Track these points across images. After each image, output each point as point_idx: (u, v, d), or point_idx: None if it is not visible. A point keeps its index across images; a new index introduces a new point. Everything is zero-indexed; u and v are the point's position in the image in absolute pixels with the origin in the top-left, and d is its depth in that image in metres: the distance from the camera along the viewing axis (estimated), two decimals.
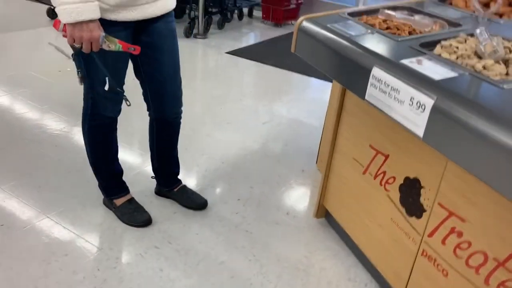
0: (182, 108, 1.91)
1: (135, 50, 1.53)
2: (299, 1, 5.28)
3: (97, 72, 1.61)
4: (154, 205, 2.08)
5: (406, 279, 1.53)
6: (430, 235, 1.41)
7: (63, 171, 2.29)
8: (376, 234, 1.67)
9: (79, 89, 1.70)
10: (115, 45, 1.49)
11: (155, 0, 1.58)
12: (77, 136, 2.59)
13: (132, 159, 2.45)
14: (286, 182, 2.38)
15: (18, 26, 4.43)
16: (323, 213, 2.07)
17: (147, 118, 1.93)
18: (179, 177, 2.13)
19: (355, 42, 1.41)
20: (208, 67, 4.04)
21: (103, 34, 1.45)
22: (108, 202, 2.01)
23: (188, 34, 4.57)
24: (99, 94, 1.68)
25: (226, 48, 4.42)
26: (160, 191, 2.14)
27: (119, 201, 1.98)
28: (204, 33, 4.68)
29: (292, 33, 1.71)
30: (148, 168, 2.20)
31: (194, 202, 2.08)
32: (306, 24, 1.62)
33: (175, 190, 2.10)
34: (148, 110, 1.88)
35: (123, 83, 1.72)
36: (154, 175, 2.11)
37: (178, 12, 4.88)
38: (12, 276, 1.64)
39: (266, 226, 2.04)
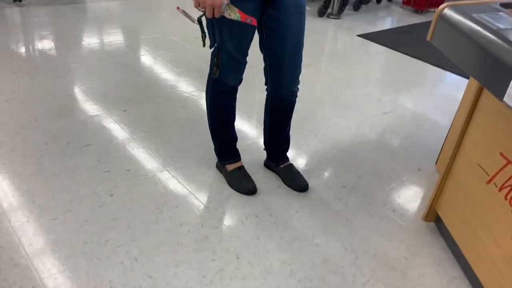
0: (300, 87, 1.91)
1: (252, 21, 1.55)
2: None
3: (223, 41, 1.68)
4: (261, 176, 2.15)
5: None
6: None
7: (186, 130, 2.47)
8: (491, 251, 1.51)
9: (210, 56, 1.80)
10: (235, 14, 1.53)
11: None
12: (203, 100, 2.76)
13: (248, 129, 2.54)
14: (399, 178, 2.26)
15: None
16: (433, 217, 1.93)
17: (265, 91, 1.97)
18: (288, 154, 2.15)
19: (503, 37, 1.26)
20: (337, 49, 3.96)
21: (226, 1, 1.51)
22: (221, 166, 2.12)
23: (322, 13, 4.51)
24: (223, 62, 1.76)
25: (359, 31, 4.27)
26: (268, 164, 2.19)
27: (230, 167, 2.08)
28: (338, 14, 4.58)
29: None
30: (261, 140, 2.26)
31: (296, 183, 2.09)
32: (448, 11, 1.48)
33: (281, 166, 2.13)
34: (265, 84, 1.92)
35: (247, 54, 1.77)
36: (265, 148, 2.17)
37: None
38: (130, 217, 1.84)
39: (368, 218, 1.97)
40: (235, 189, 2.04)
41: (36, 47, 3.37)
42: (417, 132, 2.69)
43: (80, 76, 2.97)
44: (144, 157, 2.22)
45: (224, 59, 1.74)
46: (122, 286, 1.52)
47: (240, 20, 1.55)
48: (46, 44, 3.41)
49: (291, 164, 2.15)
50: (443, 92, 3.27)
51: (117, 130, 2.41)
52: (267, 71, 1.86)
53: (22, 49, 3.32)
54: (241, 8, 1.57)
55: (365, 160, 2.38)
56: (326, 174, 2.25)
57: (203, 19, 1.63)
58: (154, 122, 2.53)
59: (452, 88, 3.36)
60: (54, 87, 2.79)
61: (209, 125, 2.03)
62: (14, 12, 3.98)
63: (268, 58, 1.81)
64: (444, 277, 1.70)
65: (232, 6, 1.53)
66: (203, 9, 1.54)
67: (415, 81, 3.39)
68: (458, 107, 2.19)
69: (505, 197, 1.46)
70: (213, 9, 1.51)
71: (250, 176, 2.08)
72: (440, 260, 1.78)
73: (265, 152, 2.20)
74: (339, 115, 2.80)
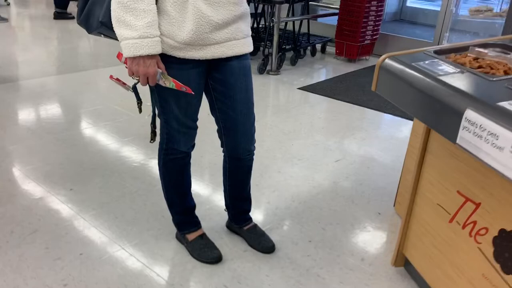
0: (255, 145, 1.90)
1: (187, 90, 1.55)
2: (374, 37, 5.21)
3: (171, 108, 1.66)
4: (225, 242, 2.06)
5: None
6: None
7: (140, 203, 2.35)
8: None
9: (157, 123, 1.76)
10: (169, 82, 1.53)
11: (226, 41, 1.60)
12: (155, 168, 2.67)
13: (205, 194, 2.47)
14: (361, 225, 2.27)
15: (105, 63, 4.79)
16: (402, 261, 1.93)
17: (219, 153, 1.94)
18: (250, 214, 2.10)
19: (444, 82, 1.33)
20: (280, 103, 4.05)
21: (160, 70, 1.50)
22: (181, 236, 2.02)
23: (262, 70, 4.65)
24: (173, 129, 1.72)
25: (298, 83, 4.43)
26: (231, 227, 2.12)
27: (191, 236, 1.99)
28: (277, 70, 4.74)
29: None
30: (219, 203, 2.19)
31: (262, 245, 2.02)
32: (389, 62, 1.56)
33: (245, 228, 2.07)
34: (221, 146, 1.89)
35: (197, 119, 1.75)
36: (226, 210, 2.11)
37: (253, 49, 5.00)
38: None
39: (339, 271, 1.93)
40: (198, 259, 1.94)
41: None
42: (370, 176, 2.75)
43: (20, 157, 2.79)
44: (98, 237, 2.07)
45: (174, 125, 1.71)
46: None
47: (175, 88, 1.54)
48: None
49: (255, 225, 2.09)
50: (386, 134, 3.41)
51: (65, 211, 2.25)
52: (222, 134, 1.84)
53: None
54: (186, 74, 1.57)
55: (326, 210, 2.37)
56: (291, 230, 2.21)
57: (138, 86, 1.61)
58: (104, 198, 2.40)
59: (394, 129, 3.50)
60: None
61: (164, 195, 1.95)
62: None
63: (221, 121, 1.79)
64: None
65: (166, 75, 1.53)
66: (137, 78, 1.52)
67: (359, 126, 3.51)
68: (407, 149, 2.26)
69: (470, 234, 1.49)
70: (147, 78, 1.50)
71: (213, 243, 1.99)
72: None
73: (226, 215, 2.13)
74: (293, 167, 2.81)
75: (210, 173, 2.66)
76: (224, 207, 2.11)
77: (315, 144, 3.15)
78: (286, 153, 3.00)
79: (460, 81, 1.33)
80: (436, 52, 1.59)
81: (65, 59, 4.90)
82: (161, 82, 1.54)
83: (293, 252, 2.04)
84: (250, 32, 1.71)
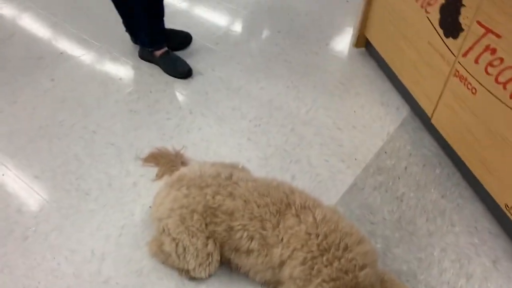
0: None
1: None
2: None
3: None
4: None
5: (436, 100, 1.59)
6: (464, 54, 1.41)
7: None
8: (413, 59, 1.69)
9: None
10: None
11: None
12: None
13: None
14: (329, 13, 2.34)
15: None
16: (363, 42, 2.07)
17: None
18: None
19: None
20: None
21: None
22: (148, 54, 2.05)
23: None
24: None
25: None
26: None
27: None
28: None
29: None
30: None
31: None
32: None
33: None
34: None
35: None
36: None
37: None
38: (77, 96, 1.85)
39: (305, 56, 2.09)
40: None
41: None
42: None
43: None
44: (75, 38, 2.14)
45: None
46: (88, 157, 1.61)
47: None
48: None
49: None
50: None
51: (37, 14, 2.27)
52: None
53: None
54: None
55: (295, 2, 2.41)
56: (261, 22, 2.29)
57: None
58: (68, 7, 2.38)
59: None
60: None
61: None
62: None
63: None
64: (377, 92, 1.90)
65: None
66: None
67: None
68: None
69: (421, 5, 1.59)
70: None
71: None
72: (372, 80, 1.96)
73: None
74: None
75: None
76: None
77: None
78: None
79: None
80: None
81: None
82: None
83: (263, 42, 2.16)
84: None
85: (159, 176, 1.47)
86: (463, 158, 1.53)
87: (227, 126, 1.75)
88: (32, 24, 2.22)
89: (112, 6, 1.86)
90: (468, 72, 1.41)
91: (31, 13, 2.29)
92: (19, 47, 2.08)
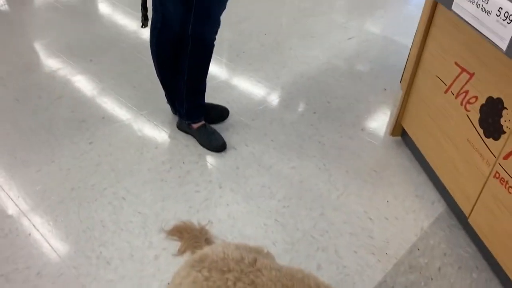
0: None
1: None
2: None
3: None
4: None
5: (474, 200, 1.53)
6: (506, 157, 1.37)
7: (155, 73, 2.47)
8: (450, 154, 1.65)
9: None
10: None
11: None
12: None
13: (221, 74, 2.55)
14: (366, 99, 2.37)
15: None
16: (399, 131, 2.06)
17: None
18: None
19: None
20: None
21: None
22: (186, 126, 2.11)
23: None
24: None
25: None
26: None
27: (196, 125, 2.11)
28: None
29: None
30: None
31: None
32: None
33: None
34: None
35: None
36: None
37: None
38: (112, 161, 1.89)
39: (339, 139, 2.08)
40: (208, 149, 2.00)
41: None
42: (382, 54, 2.77)
43: (39, 31, 2.88)
44: (117, 104, 2.24)
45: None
46: (113, 224, 1.61)
47: None
48: None
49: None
50: (406, 13, 3.32)
51: (86, 79, 2.40)
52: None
53: None
54: None
55: (333, 86, 2.46)
56: (297, 102, 2.33)
57: None
58: (122, 68, 2.52)
59: (415, 8, 3.40)
60: (14, 44, 2.72)
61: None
62: None
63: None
64: (411, 183, 1.85)
65: None
66: None
67: (379, 4, 3.42)
68: (418, 24, 2.26)
69: (461, 103, 1.58)
70: None
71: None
72: (407, 169, 1.92)
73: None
74: (305, 44, 2.84)
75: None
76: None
77: (331, 22, 3.12)
78: (300, 30, 3.00)
79: None
80: None
81: None
82: None
83: (298, 122, 2.18)
84: None
85: (181, 252, 1.43)
86: (501, 265, 1.44)
87: (255, 204, 1.72)
88: (81, 88, 2.34)
89: (156, 78, 1.95)
90: (510, 176, 1.36)
91: (82, 77, 2.42)
92: (65, 109, 2.18)
